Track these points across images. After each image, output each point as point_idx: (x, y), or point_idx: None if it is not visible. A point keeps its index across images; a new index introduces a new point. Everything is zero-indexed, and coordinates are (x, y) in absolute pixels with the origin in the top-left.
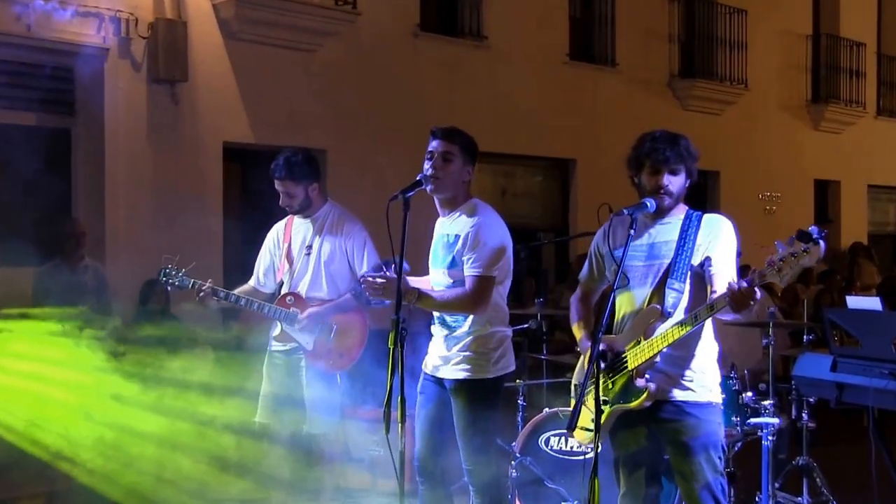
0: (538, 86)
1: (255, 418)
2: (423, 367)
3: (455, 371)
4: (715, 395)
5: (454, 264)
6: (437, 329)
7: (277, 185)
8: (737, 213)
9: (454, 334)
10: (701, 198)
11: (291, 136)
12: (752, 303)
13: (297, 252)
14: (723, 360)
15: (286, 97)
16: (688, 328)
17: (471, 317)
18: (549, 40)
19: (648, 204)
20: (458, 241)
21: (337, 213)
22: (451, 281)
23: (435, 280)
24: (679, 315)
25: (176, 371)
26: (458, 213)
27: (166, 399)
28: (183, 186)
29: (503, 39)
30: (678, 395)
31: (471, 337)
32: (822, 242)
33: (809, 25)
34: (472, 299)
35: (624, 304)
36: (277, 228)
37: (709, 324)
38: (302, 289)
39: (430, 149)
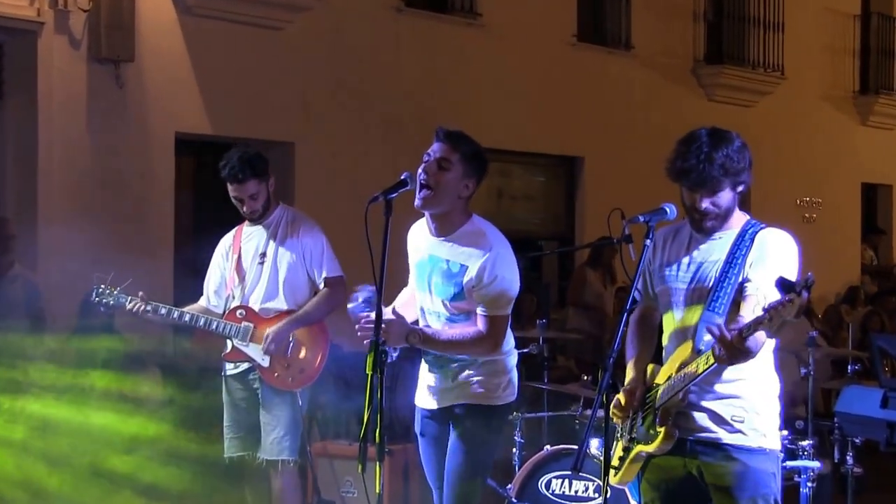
0: (540, 71)
1: (225, 454)
2: (416, 402)
3: (461, 395)
4: (770, 441)
5: (460, 297)
6: (432, 360)
7: (237, 189)
8: (770, 221)
9: (461, 361)
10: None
11: (253, 126)
12: (743, 354)
13: (250, 262)
14: None
15: (248, 82)
16: (702, 368)
17: None
18: (554, 18)
19: (668, 210)
20: (464, 272)
21: (291, 216)
22: (454, 313)
23: (428, 306)
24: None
25: (121, 396)
26: (458, 238)
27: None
28: (129, 183)
29: (500, 17)
30: (725, 436)
31: (479, 361)
32: (804, 294)
33: (857, 3)
34: (492, 342)
35: (670, 332)
36: (225, 242)
37: (768, 356)
38: (254, 301)
39: (428, 151)
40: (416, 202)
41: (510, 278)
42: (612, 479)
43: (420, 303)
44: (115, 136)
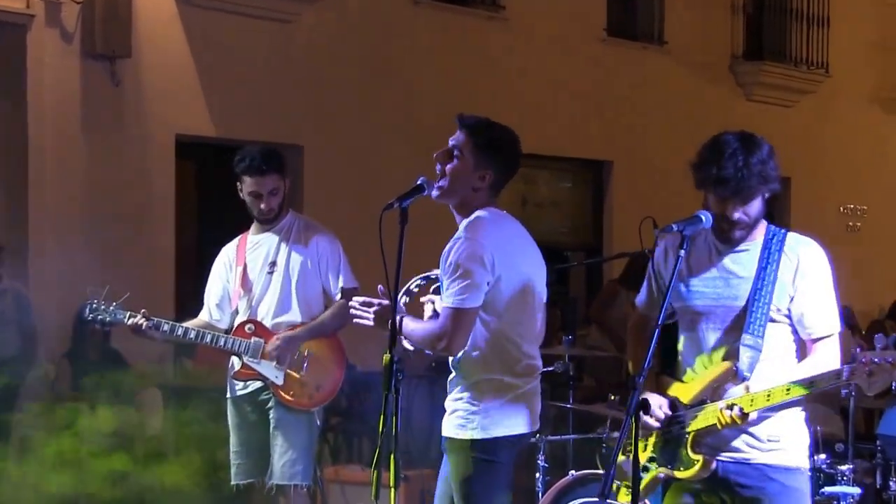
0: (567, 68)
1: (231, 481)
2: None
3: (447, 429)
4: (804, 459)
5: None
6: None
7: (256, 183)
8: (811, 229)
9: (450, 384)
10: (767, 210)
11: (260, 128)
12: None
13: (258, 273)
14: None
15: (254, 80)
16: (757, 407)
17: (462, 359)
18: (582, 11)
19: (704, 218)
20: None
21: (302, 223)
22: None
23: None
24: (757, 380)
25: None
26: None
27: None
28: (126, 189)
29: (524, 9)
30: (759, 457)
31: (458, 387)
32: None
33: None
34: (438, 335)
35: (690, 346)
36: (227, 251)
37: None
38: (265, 314)
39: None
40: (432, 194)
41: (463, 264)
42: (622, 498)
43: None
44: (111, 139)
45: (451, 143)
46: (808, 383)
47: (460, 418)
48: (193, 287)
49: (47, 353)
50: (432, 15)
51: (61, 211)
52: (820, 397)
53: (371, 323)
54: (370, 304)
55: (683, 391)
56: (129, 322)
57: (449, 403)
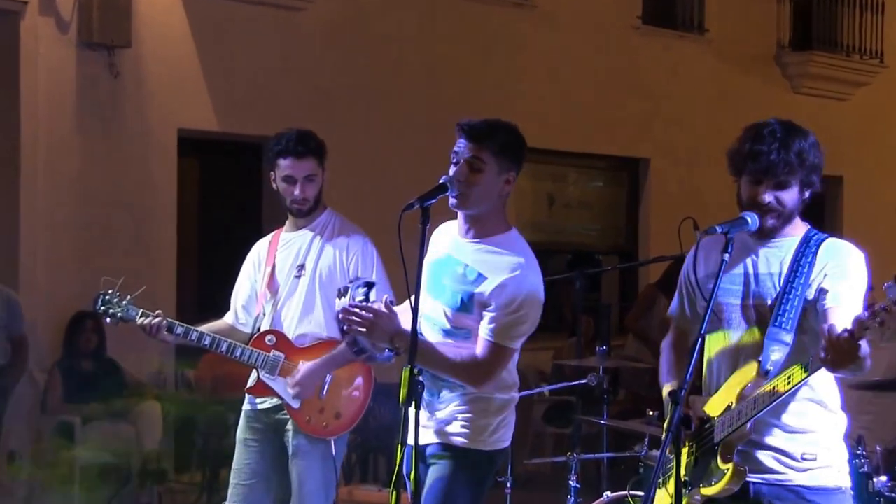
0: (600, 59)
1: (225, 503)
2: (407, 441)
3: (438, 434)
4: (843, 478)
5: (466, 310)
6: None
7: (291, 166)
8: (865, 231)
9: (448, 395)
10: (817, 212)
11: (267, 123)
12: (854, 359)
13: (286, 275)
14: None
15: (261, 71)
16: (780, 391)
17: None
18: None
19: (749, 220)
20: (479, 282)
21: (338, 223)
22: (453, 326)
23: (427, 311)
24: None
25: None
26: (487, 246)
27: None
28: (125, 188)
29: None
30: (795, 477)
31: (466, 397)
32: None
33: None
34: (486, 373)
35: (718, 354)
36: (259, 247)
37: (834, 387)
38: (288, 323)
39: (455, 149)
40: (451, 202)
41: (531, 310)
42: None
43: (422, 308)
44: (109, 134)
45: (465, 155)
46: (825, 340)
47: (463, 427)
48: (195, 289)
49: (37, 361)
50: (453, 4)
51: (55, 211)
52: (885, 412)
53: (364, 331)
54: (368, 310)
55: (713, 404)
56: (141, 321)
57: (446, 416)
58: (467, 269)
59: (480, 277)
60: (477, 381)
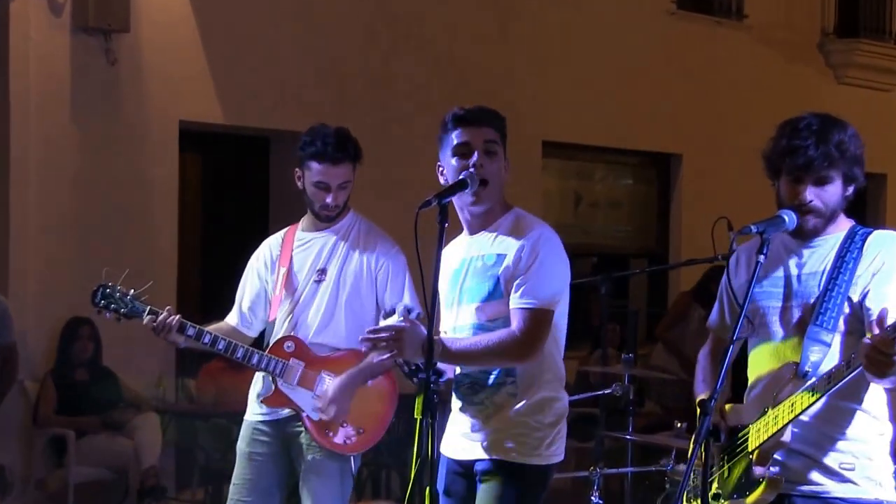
0: (630, 47)
1: None
2: (442, 451)
3: (489, 449)
4: (887, 492)
5: (496, 295)
6: (465, 393)
7: (325, 172)
8: None
9: (495, 399)
10: (858, 212)
11: (275, 115)
12: (891, 364)
13: (304, 278)
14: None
15: (270, 59)
16: (818, 395)
17: (521, 373)
18: None
19: (787, 218)
20: (501, 261)
21: (364, 227)
22: (488, 319)
23: (453, 324)
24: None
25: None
26: (496, 229)
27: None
28: (122, 184)
29: None
30: (834, 488)
31: (520, 403)
32: None
33: None
34: (524, 340)
35: (758, 359)
36: (271, 245)
37: (881, 395)
38: (305, 330)
39: (459, 141)
40: (470, 199)
41: (556, 264)
42: None
43: (444, 326)
44: (106, 126)
45: (477, 142)
46: (826, 379)
47: (519, 441)
48: (197, 294)
49: (28, 371)
50: None
51: (47, 210)
52: None
53: (394, 352)
54: (386, 329)
55: (747, 409)
56: (148, 318)
57: (495, 426)
58: (485, 257)
59: (500, 258)
60: (521, 355)
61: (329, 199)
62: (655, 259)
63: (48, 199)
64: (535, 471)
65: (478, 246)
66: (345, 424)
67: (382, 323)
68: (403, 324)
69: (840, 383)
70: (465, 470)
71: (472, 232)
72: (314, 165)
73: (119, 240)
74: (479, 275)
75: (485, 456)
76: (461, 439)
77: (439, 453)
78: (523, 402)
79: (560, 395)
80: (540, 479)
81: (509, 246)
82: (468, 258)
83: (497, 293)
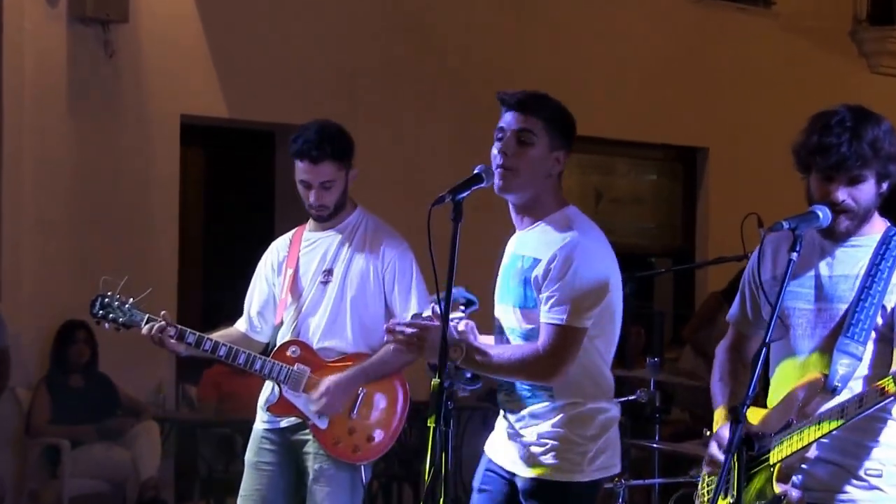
0: (653, 36)
1: None
2: (485, 449)
3: (531, 466)
4: None
5: (528, 301)
6: (503, 399)
7: (307, 171)
8: None
9: (533, 409)
10: (890, 209)
11: (281, 108)
12: None
13: (310, 279)
14: None
15: (275, 51)
16: (835, 423)
17: (558, 384)
18: None
19: (821, 214)
20: (534, 266)
21: (371, 225)
22: (527, 326)
23: (506, 323)
24: (848, 393)
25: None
26: (540, 226)
27: None
28: (121, 181)
29: None
30: (860, 496)
31: (559, 416)
32: None
33: None
34: (547, 360)
35: (784, 364)
36: (278, 247)
37: None
38: (311, 334)
39: (500, 124)
40: (495, 185)
41: (587, 279)
42: None
43: (502, 320)
44: (104, 121)
45: (513, 126)
46: (856, 403)
47: (562, 456)
48: (199, 294)
49: (21, 378)
50: None
51: (42, 207)
52: None
53: (415, 350)
54: (412, 325)
55: (771, 418)
56: (147, 327)
57: (537, 439)
58: (524, 258)
59: (534, 262)
60: (543, 375)
61: (312, 199)
62: (681, 258)
63: (43, 196)
64: (579, 489)
65: (523, 244)
66: (354, 432)
67: (408, 317)
68: (431, 322)
69: (870, 409)
70: (503, 474)
71: (519, 227)
72: (297, 164)
73: (117, 238)
74: (518, 277)
75: (525, 471)
76: (502, 444)
77: (454, 463)
78: (562, 415)
79: (605, 406)
80: (586, 497)
81: (546, 250)
82: (514, 255)
83: (530, 300)
